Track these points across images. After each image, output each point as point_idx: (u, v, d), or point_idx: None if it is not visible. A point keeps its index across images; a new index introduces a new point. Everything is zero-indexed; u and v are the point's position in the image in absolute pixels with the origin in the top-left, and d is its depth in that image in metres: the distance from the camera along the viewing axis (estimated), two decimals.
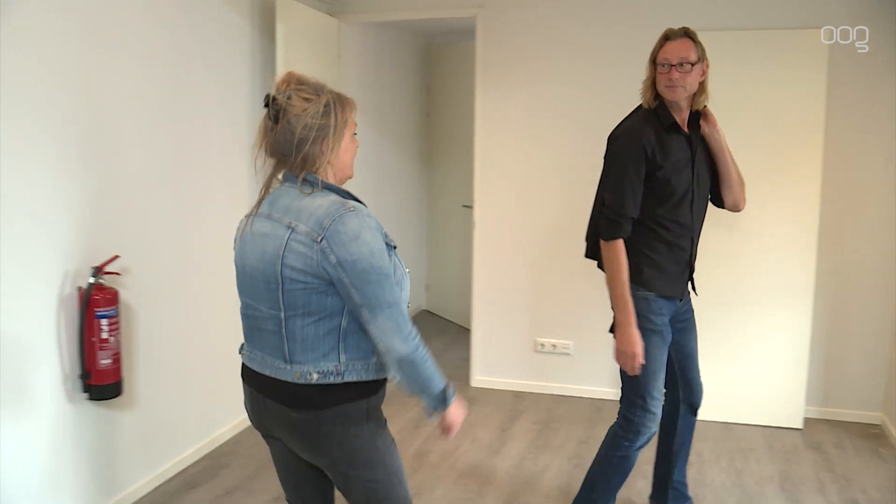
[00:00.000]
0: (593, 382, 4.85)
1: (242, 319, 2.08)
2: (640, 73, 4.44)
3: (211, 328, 3.95)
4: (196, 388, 3.89)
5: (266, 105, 1.94)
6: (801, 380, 4.38)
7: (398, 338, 1.89)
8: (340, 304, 1.90)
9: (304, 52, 4.35)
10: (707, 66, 2.83)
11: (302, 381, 1.92)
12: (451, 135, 6.41)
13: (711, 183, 3.01)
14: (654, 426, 3.01)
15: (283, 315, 1.93)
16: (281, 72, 3.93)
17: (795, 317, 4.35)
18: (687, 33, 2.81)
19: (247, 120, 4.17)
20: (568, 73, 4.64)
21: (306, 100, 1.93)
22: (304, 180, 1.94)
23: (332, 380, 1.92)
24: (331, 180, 2.00)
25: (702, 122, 2.92)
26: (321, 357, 1.92)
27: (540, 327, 4.91)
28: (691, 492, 3.50)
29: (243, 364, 2.10)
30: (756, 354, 4.40)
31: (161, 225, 3.56)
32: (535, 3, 4.64)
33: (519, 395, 4.89)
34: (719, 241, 4.30)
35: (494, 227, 4.90)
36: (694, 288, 3.12)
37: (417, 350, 1.92)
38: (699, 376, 3.25)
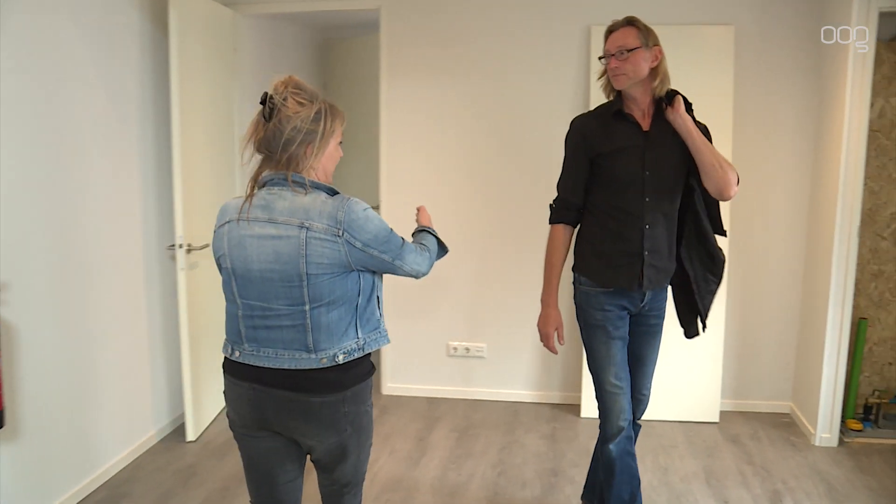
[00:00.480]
0: (509, 385, 4.74)
1: (240, 321, 2.15)
2: (552, 69, 4.46)
3: (104, 343, 3.62)
4: (89, 413, 3.54)
5: (262, 102, 2.07)
6: (717, 374, 4.40)
7: (420, 261, 2.27)
8: (358, 283, 2.11)
9: (198, 44, 4.05)
10: (659, 52, 2.74)
11: (328, 364, 2.08)
12: (350, 134, 6.14)
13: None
14: (617, 420, 2.93)
15: (307, 308, 2.07)
16: (176, 65, 3.64)
17: (710, 311, 4.34)
18: (629, 21, 2.77)
19: (137, 114, 3.85)
20: (478, 69, 4.50)
21: (300, 104, 2.06)
22: (294, 181, 2.07)
23: (356, 355, 2.12)
24: (322, 176, 2.17)
25: (667, 109, 2.77)
26: (344, 338, 2.10)
27: (452, 331, 4.76)
28: None
29: (238, 363, 2.16)
30: (673, 351, 4.37)
31: (42, 233, 3.21)
32: None
33: (433, 402, 4.73)
34: None
35: (402, 228, 4.65)
36: (663, 283, 2.92)
37: (429, 256, 2.35)
38: (646, 387, 3.08)
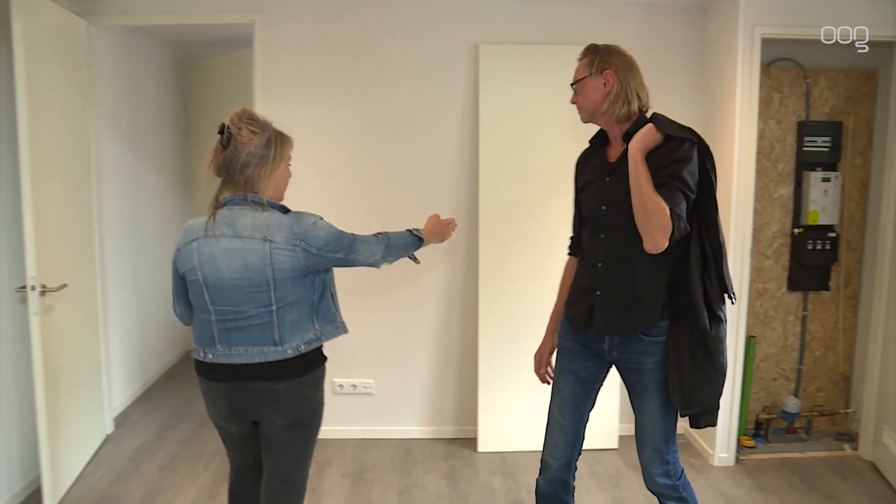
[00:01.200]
0: (400, 422, 4.48)
1: (213, 325, 2.42)
2: (440, 87, 4.26)
3: None
4: None
5: (220, 132, 2.37)
6: (615, 399, 4.33)
7: (375, 251, 2.58)
8: (311, 284, 2.45)
9: (48, 57, 3.57)
10: (609, 75, 2.52)
11: (293, 353, 2.40)
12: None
13: None
14: (546, 453, 2.88)
15: (274, 308, 2.38)
16: (23, 82, 3.26)
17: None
18: (585, 51, 2.64)
19: None
20: (363, 87, 4.24)
21: (253, 132, 2.38)
22: (253, 201, 2.38)
23: (314, 345, 2.46)
24: (274, 195, 2.50)
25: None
26: (304, 330, 2.44)
27: (337, 367, 4.43)
28: None
29: (212, 364, 2.44)
30: None
31: None
32: (321, 8, 4.18)
33: (319, 444, 4.28)
34: (522, 261, 4.14)
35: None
36: (622, 330, 2.58)
37: (387, 242, 2.63)
38: (644, 451, 2.69)
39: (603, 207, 2.57)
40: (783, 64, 4.30)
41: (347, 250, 2.48)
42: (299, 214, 2.42)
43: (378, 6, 4.19)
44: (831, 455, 4.27)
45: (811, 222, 4.30)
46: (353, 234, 2.52)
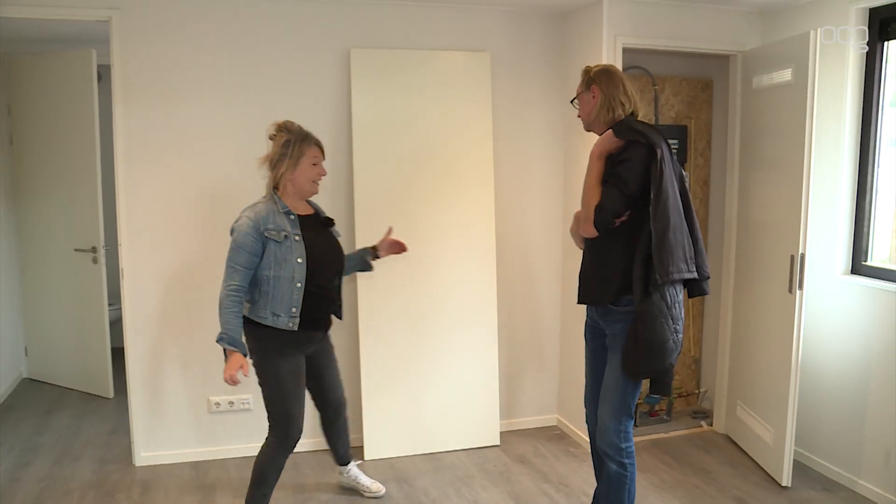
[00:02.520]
0: None
1: None
2: (311, 91, 4.18)
3: None
4: None
5: (270, 138, 3.22)
6: (494, 396, 4.45)
7: (222, 293, 3.12)
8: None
9: None
10: (595, 90, 3.02)
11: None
12: (48, 165, 5.28)
13: None
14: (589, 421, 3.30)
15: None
16: None
17: (483, 334, 4.40)
18: (583, 72, 3.12)
19: None
20: (227, 89, 4.07)
21: (279, 136, 3.20)
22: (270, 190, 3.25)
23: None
24: (289, 191, 3.24)
25: None
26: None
27: (213, 384, 4.23)
28: None
29: None
30: (452, 378, 4.36)
31: None
32: (185, 8, 3.96)
33: (199, 467, 4.17)
34: (400, 266, 4.17)
35: (148, 272, 4.09)
36: (594, 301, 3.12)
37: (224, 297, 3.11)
38: (602, 409, 3.10)
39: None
40: (634, 72, 4.61)
41: (227, 264, 3.14)
42: (250, 210, 3.17)
43: (247, 7, 4.05)
44: (691, 432, 4.64)
45: None
46: (234, 259, 3.12)
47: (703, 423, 4.73)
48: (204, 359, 4.21)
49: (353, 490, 3.85)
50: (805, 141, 3.65)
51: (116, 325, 4.12)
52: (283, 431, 3.27)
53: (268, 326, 3.15)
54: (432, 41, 4.29)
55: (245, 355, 3.11)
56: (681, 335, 2.94)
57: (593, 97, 3.03)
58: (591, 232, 2.89)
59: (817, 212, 3.99)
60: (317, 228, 3.31)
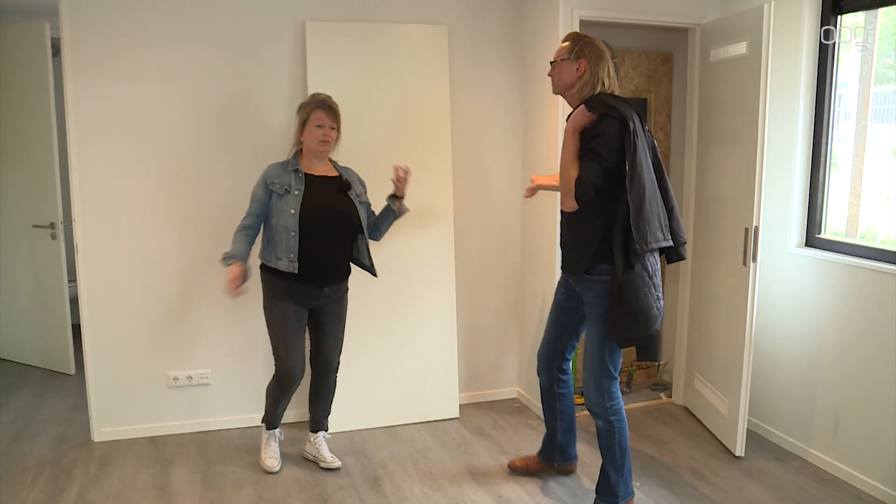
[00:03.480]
0: (241, 410, 4.34)
1: None
2: (266, 63, 4.14)
3: None
4: None
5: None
6: (453, 369, 4.47)
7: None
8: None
9: None
10: (583, 63, 3.04)
11: None
12: (4, 140, 5.20)
13: None
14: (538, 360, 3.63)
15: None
16: None
17: (442, 307, 4.42)
18: (565, 37, 3.15)
19: None
20: (187, 64, 4.02)
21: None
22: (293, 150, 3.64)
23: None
24: (305, 150, 3.58)
25: None
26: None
27: (171, 359, 4.24)
28: None
29: None
30: (410, 351, 4.37)
31: None
32: None
33: (158, 441, 4.17)
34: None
35: (103, 247, 4.06)
36: (571, 270, 3.24)
37: (234, 232, 3.51)
38: (585, 369, 3.31)
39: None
40: None
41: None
42: (269, 166, 3.57)
43: None
44: (651, 404, 4.69)
45: None
46: (250, 206, 3.53)
47: (662, 395, 4.78)
48: (162, 333, 4.20)
49: (312, 462, 3.89)
50: (759, 114, 3.66)
51: (77, 301, 4.08)
52: (277, 369, 3.67)
53: (274, 272, 3.53)
54: (389, 13, 4.25)
55: (245, 271, 3.40)
56: (662, 302, 3.09)
57: (577, 69, 3.07)
58: (573, 206, 2.98)
59: (772, 185, 4.01)
60: (327, 189, 3.57)
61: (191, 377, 4.27)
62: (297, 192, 3.48)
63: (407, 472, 3.82)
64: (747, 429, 4.05)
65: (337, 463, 3.85)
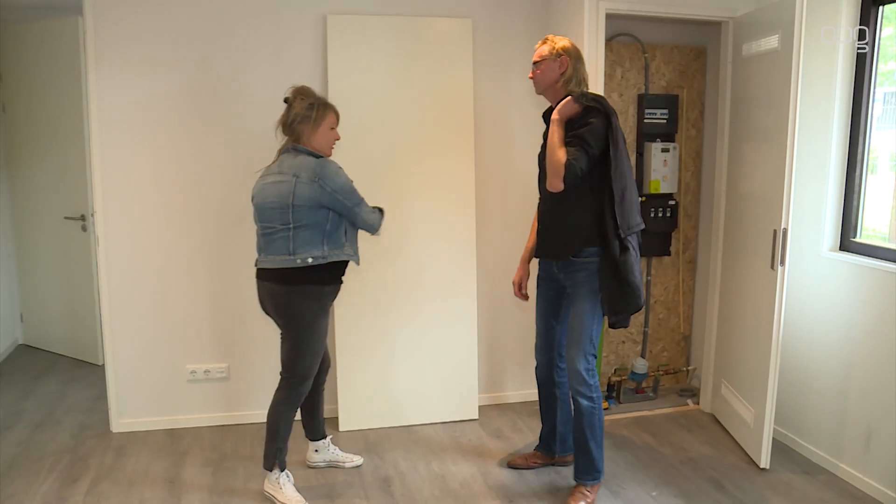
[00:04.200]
0: (257, 406, 4.32)
1: (260, 238, 3.34)
2: (288, 57, 4.11)
3: None
4: None
5: (285, 101, 3.33)
6: (473, 370, 4.39)
7: (374, 219, 3.39)
8: (325, 216, 3.25)
9: None
10: (565, 60, 3.25)
11: (301, 263, 3.23)
12: (40, 133, 5.28)
13: None
14: (536, 355, 3.74)
15: (291, 226, 3.22)
16: None
17: (463, 307, 4.33)
18: (544, 40, 3.32)
19: None
20: (208, 57, 4.03)
21: (302, 100, 3.31)
22: (294, 149, 3.31)
23: (320, 260, 3.25)
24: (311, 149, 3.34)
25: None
26: (314, 247, 3.24)
27: (189, 352, 4.25)
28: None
29: (258, 268, 3.37)
30: (430, 351, 4.30)
31: None
32: None
33: (174, 434, 4.19)
34: (377, 237, 4.09)
35: (124, 240, 4.09)
36: (556, 256, 3.40)
37: (378, 218, 3.42)
38: (565, 348, 3.50)
39: (543, 162, 3.38)
40: (623, 39, 4.48)
41: (353, 203, 3.27)
42: (325, 161, 3.26)
43: None
44: (676, 410, 4.54)
45: (653, 191, 4.52)
46: (363, 199, 3.32)
47: (689, 401, 4.62)
48: (181, 326, 4.22)
49: (332, 465, 3.82)
50: (789, 111, 3.50)
51: None
52: (298, 385, 3.42)
53: (324, 283, 3.33)
54: (412, 7, 4.18)
55: None
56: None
57: (560, 66, 3.27)
58: (559, 186, 3.14)
59: (805, 186, 3.85)
60: None
61: (208, 371, 4.28)
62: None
63: (419, 472, 3.75)
64: (776, 440, 3.90)
65: (359, 459, 3.83)
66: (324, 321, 3.38)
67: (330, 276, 3.33)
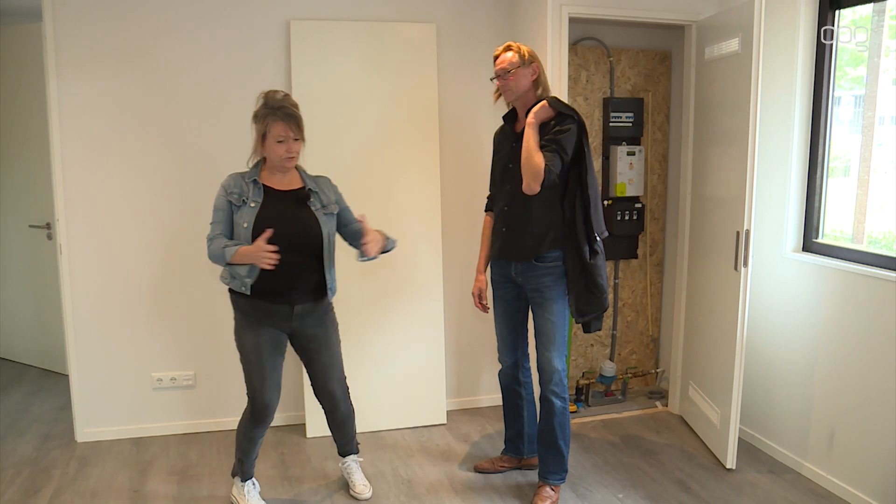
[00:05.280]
0: (224, 413, 4.30)
1: None
2: (250, 63, 4.09)
3: None
4: None
5: None
6: (441, 375, 4.38)
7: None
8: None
9: None
10: (537, 67, 3.34)
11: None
12: (5, 140, 5.23)
13: None
14: (500, 358, 3.72)
15: None
16: None
17: (430, 312, 4.33)
18: (508, 48, 3.36)
19: None
20: (164, 63, 4.00)
21: (256, 105, 3.18)
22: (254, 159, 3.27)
23: (223, 281, 3.29)
24: (268, 162, 3.22)
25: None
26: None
27: (155, 360, 4.21)
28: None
29: None
30: (398, 356, 4.29)
31: None
32: None
33: (140, 443, 4.15)
34: (345, 244, 4.07)
35: (88, 248, 4.06)
36: (519, 258, 3.42)
37: (208, 248, 3.15)
38: (541, 355, 3.46)
39: (510, 165, 3.42)
40: (588, 43, 4.50)
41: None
42: (228, 176, 3.21)
43: None
44: (645, 413, 4.55)
45: (619, 194, 4.54)
46: (212, 222, 3.17)
47: (658, 403, 4.64)
48: (147, 334, 4.18)
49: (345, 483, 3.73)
50: (750, 113, 3.53)
51: None
52: (250, 401, 3.30)
53: (235, 294, 3.25)
54: (376, 12, 4.18)
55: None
56: None
57: (532, 73, 3.34)
58: (537, 189, 3.20)
59: (768, 188, 3.88)
60: (286, 201, 3.22)
61: (175, 378, 4.24)
62: (253, 204, 3.13)
63: (385, 478, 3.74)
64: (742, 440, 3.92)
65: (367, 493, 3.57)
66: (250, 338, 3.24)
67: (239, 293, 3.24)
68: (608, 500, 3.52)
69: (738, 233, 3.65)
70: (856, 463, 3.48)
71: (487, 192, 3.72)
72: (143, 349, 4.19)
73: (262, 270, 3.08)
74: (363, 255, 3.27)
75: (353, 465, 3.65)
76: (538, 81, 3.36)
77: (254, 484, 3.46)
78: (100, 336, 4.13)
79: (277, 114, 3.09)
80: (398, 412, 4.34)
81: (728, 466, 3.78)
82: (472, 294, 3.74)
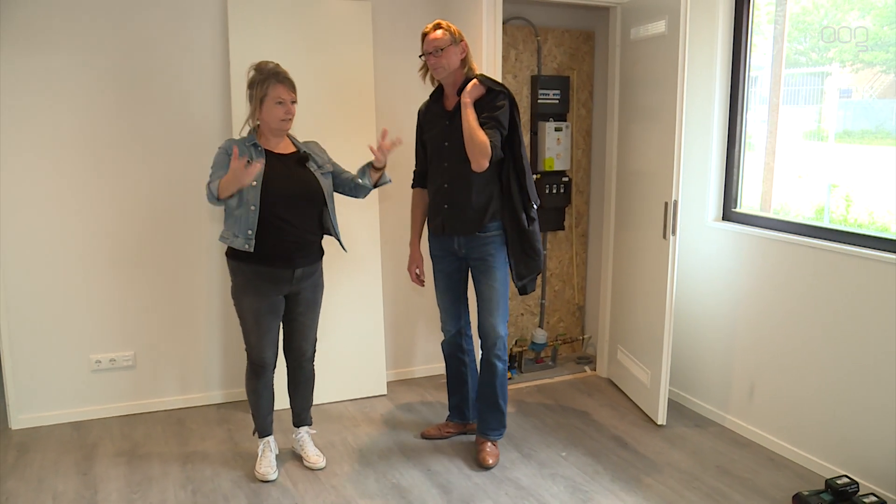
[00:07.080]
0: (166, 392, 4.28)
1: None
2: (178, 31, 4.03)
3: None
4: None
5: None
6: (380, 346, 4.48)
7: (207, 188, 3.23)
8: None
9: None
10: (465, 46, 3.47)
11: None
12: None
13: None
14: (443, 326, 3.90)
15: None
16: None
17: (368, 285, 4.41)
18: (438, 26, 3.45)
19: None
20: (96, 32, 3.88)
21: (250, 77, 3.30)
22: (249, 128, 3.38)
23: (222, 240, 3.33)
24: (263, 128, 3.34)
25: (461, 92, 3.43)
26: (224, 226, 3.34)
27: (93, 342, 4.13)
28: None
29: None
30: (337, 329, 4.35)
31: None
32: None
33: (81, 427, 4.07)
34: None
35: (22, 229, 3.93)
36: (464, 231, 3.54)
37: (207, 187, 3.22)
38: (487, 322, 3.60)
39: (446, 143, 3.53)
40: (517, 22, 4.65)
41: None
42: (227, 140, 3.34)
43: None
44: (575, 377, 4.79)
45: (547, 168, 4.73)
46: (211, 172, 3.24)
47: (586, 368, 4.89)
48: (83, 316, 4.10)
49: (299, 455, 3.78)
50: (677, 92, 3.76)
51: None
52: (248, 356, 3.48)
53: (241, 258, 3.30)
54: None
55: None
56: None
57: (462, 51, 3.46)
58: (485, 165, 3.33)
59: (691, 161, 4.13)
60: (287, 164, 3.36)
61: (114, 360, 4.18)
62: (258, 164, 3.18)
63: (336, 448, 3.83)
64: (670, 399, 4.19)
65: (321, 463, 3.65)
66: (249, 302, 3.36)
67: (239, 253, 3.29)
68: (553, 458, 3.72)
69: (666, 203, 3.89)
70: (773, 413, 3.80)
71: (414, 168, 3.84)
72: (80, 331, 4.10)
73: (268, 233, 3.25)
74: (368, 174, 3.54)
75: (306, 437, 3.73)
76: (465, 60, 3.48)
77: (269, 445, 3.62)
78: (33, 319, 4.01)
79: (276, 77, 3.24)
80: (340, 385, 4.41)
81: (659, 423, 4.05)
82: (409, 269, 3.87)
